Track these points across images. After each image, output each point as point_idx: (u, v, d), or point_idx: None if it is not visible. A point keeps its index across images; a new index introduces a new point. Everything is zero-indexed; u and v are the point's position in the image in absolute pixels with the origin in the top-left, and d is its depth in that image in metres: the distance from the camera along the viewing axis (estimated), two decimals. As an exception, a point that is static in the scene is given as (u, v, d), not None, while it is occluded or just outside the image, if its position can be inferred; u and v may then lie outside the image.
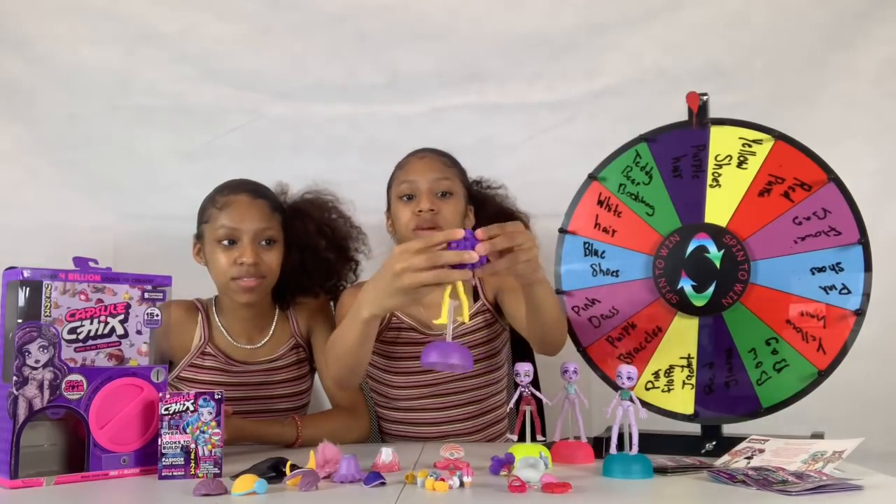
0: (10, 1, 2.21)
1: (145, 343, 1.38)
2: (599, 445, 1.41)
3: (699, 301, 1.52)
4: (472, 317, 1.80)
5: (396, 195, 1.78)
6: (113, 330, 1.35)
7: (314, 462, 1.27)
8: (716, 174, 1.55)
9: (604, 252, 1.61)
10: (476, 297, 1.82)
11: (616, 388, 1.34)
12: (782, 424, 1.49)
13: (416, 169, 1.78)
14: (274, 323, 1.83)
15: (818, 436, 1.44)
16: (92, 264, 1.36)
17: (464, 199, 1.81)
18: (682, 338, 1.53)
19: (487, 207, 1.88)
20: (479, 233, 1.26)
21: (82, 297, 1.33)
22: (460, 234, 1.25)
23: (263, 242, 1.72)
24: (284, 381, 1.80)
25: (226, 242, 1.70)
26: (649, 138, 1.61)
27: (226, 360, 1.76)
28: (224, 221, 1.70)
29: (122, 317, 1.36)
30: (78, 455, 1.31)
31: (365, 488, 1.20)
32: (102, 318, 1.34)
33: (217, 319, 1.80)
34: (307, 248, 1.82)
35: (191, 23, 2.24)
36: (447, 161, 1.81)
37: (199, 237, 1.77)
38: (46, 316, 1.29)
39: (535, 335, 1.59)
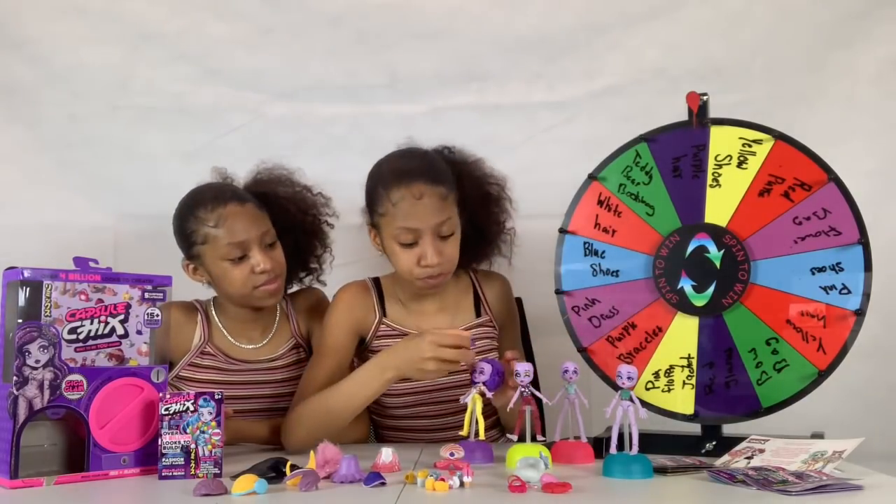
0: (10, 1, 2.20)
1: (145, 343, 1.38)
2: (599, 445, 1.41)
3: (699, 301, 1.52)
4: (476, 327, 1.78)
5: (393, 238, 1.64)
6: (113, 330, 1.35)
7: (314, 462, 1.27)
8: (716, 174, 1.55)
9: (604, 252, 1.61)
10: (479, 313, 1.80)
11: (616, 388, 1.34)
12: (782, 424, 1.49)
13: (417, 215, 1.62)
14: (276, 323, 1.83)
15: (818, 436, 1.44)
16: (92, 264, 1.36)
17: (458, 219, 1.70)
18: (682, 338, 1.53)
19: (464, 183, 1.75)
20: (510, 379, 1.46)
21: (82, 297, 1.33)
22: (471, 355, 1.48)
23: (268, 243, 1.72)
24: (284, 381, 1.80)
25: (236, 258, 1.68)
26: (649, 138, 1.61)
27: (225, 360, 1.76)
28: (229, 239, 1.67)
29: (122, 317, 1.36)
30: (78, 455, 1.31)
31: (365, 488, 1.20)
32: (102, 318, 1.34)
33: (217, 320, 1.80)
34: (294, 227, 1.83)
35: (191, 23, 2.24)
36: (443, 191, 1.64)
37: (192, 258, 1.73)
38: (46, 316, 1.29)
39: None
